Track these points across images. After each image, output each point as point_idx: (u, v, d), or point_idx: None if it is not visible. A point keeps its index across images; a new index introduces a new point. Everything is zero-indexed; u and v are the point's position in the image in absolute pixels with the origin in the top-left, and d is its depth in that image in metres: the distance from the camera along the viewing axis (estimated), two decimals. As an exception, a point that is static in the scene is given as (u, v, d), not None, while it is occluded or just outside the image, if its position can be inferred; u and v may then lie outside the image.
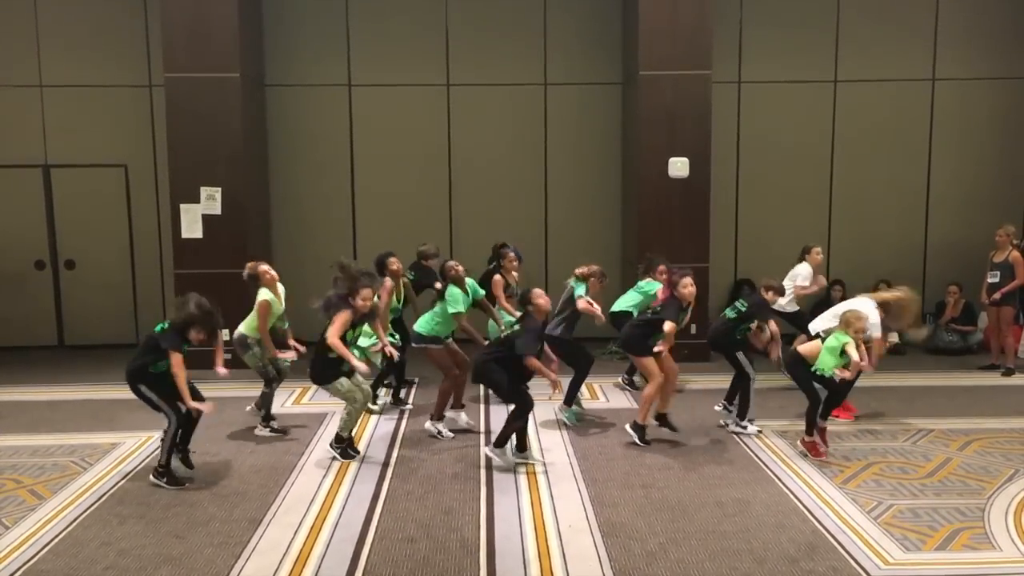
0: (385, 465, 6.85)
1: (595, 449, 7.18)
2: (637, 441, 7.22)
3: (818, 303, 10.03)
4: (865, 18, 11.35)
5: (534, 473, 6.63)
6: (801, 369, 7.00)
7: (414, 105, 11.29)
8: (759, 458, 6.93)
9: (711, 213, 10.31)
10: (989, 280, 9.70)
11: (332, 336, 6.61)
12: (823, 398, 6.96)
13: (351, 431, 7.01)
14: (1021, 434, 7.49)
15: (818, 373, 6.85)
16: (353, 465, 6.82)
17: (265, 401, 7.71)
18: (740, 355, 7.55)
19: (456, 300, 7.53)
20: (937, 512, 5.84)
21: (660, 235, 9.98)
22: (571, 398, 7.94)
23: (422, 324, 7.62)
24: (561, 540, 5.45)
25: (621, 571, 5.04)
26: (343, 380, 6.79)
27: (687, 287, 7.13)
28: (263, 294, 7.60)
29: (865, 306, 7.22)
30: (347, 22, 11.18)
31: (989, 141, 11.63)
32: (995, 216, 11.15)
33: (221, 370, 6.79)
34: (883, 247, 11.54)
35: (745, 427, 7.57)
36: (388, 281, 8.24)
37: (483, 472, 6.66)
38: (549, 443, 7.36)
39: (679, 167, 10.08)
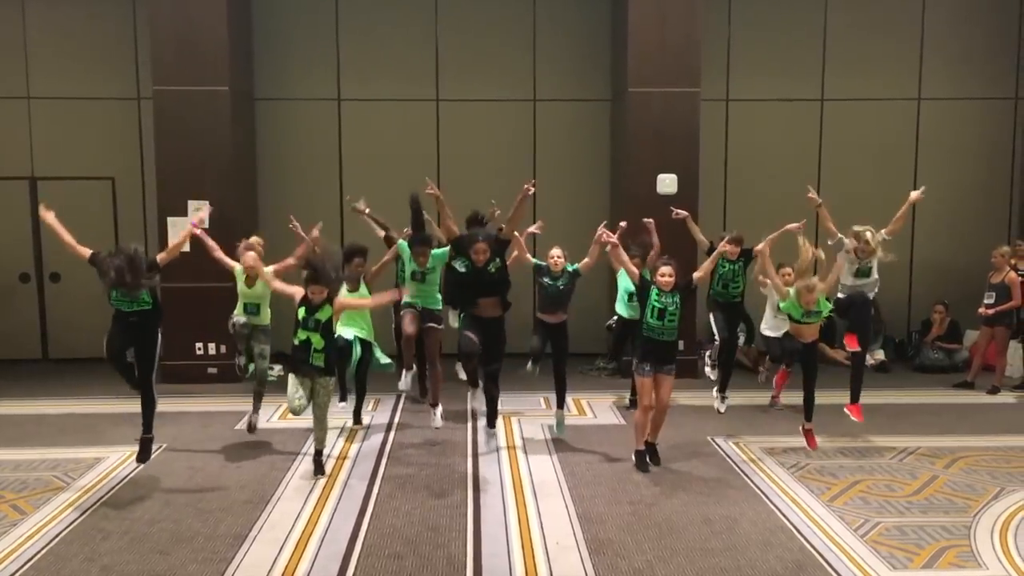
0: (371, 481, 6.81)
1: (582, 465, 7.16)
2: (636, 467, 7.02)
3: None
4: (852, 37, 11.45)
5: (521, 490, 6.61)
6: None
7: (403, 120, 11.29)
8: (746, 475, 6.93)
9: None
10: (986, 301, 9.76)
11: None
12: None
13: (318, 444, 6.95)
14: (1007, 452, 7.52)
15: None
16: (339, 481, 6.79)
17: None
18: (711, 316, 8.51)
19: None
20: (924, 530, 5.85)
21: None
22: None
23: None
24: (548, 557, 5.43)
25: (608, 589, 5.03)
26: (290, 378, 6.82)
27: (662, 276, 6.96)
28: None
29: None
30: (337, 36, 11.19)
31: (974, 160, 11.72)
32: (980, 235, 11.24)
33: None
34: (869, 265, 11.58)
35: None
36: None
37: (470, 489, 6.63)
38: (536, 460, 7.34)
39: (667, 184, 10.12)
